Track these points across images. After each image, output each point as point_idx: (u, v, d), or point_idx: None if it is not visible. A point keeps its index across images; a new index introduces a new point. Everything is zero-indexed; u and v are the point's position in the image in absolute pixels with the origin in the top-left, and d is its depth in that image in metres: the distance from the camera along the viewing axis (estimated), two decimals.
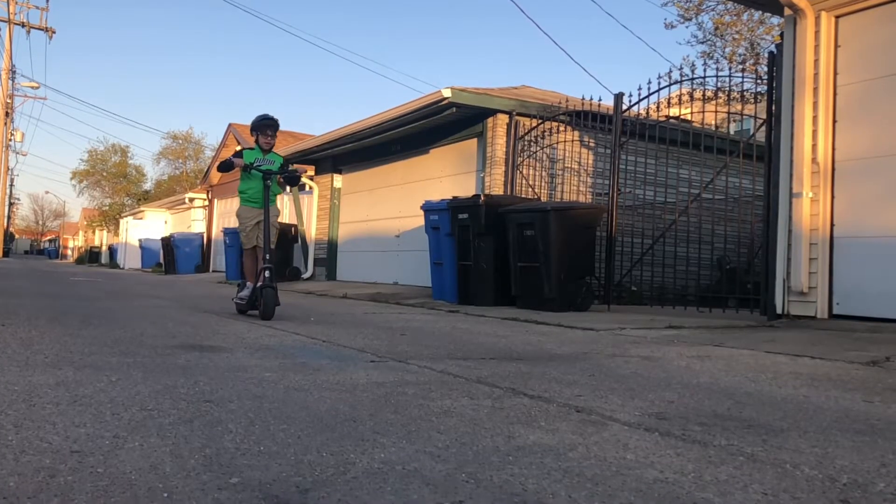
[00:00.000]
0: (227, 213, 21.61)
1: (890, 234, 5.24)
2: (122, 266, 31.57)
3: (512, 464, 1.65)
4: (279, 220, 19.03)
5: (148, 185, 47.56)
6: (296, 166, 5.71)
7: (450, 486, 1.46)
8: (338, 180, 14.60)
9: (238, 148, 6.42)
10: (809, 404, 2.49)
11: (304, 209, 15.46)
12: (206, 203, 23.90)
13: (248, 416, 2.05)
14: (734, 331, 5.21)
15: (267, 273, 5.46)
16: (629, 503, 1.40)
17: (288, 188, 6.12)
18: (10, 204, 59.08)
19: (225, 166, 6.13)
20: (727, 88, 7.83)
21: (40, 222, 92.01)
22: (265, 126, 6.13)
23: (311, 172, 15.30)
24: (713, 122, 8.85)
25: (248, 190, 6.08)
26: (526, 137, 9.47)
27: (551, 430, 2.00)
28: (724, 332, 5.07)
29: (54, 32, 30.48)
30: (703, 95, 8.28)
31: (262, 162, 5.99)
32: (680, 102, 7.89)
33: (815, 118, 5.66)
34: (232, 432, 1.85)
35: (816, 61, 5.67)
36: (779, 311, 5.80)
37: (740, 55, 14.95)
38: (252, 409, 2.14)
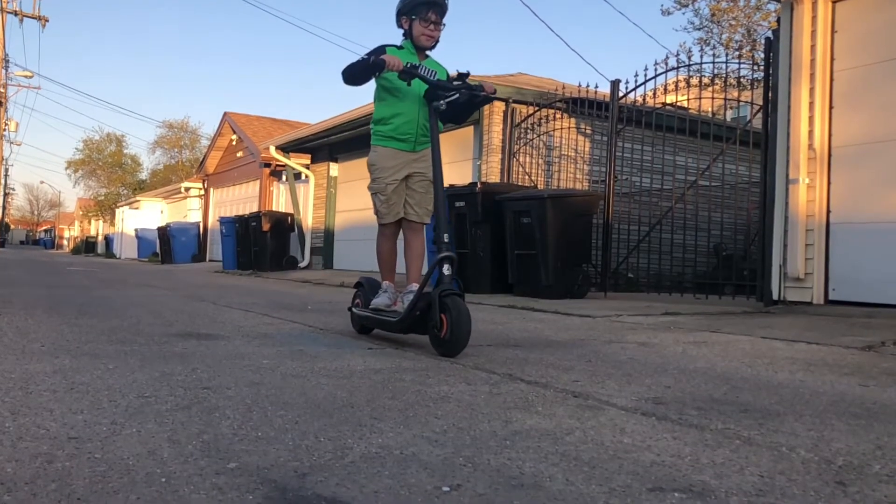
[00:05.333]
0: (224, 202, 21.60)
1: (886, 219, 5.24)
2: (118, 256, 31.52)
3: (509, 448, 1.65)
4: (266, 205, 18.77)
5: (144, 175, 47.42)
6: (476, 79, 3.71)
7: (447, 470, 1.47)
8: (334, 169, 14.57)
9: (382, 50, 3.56)
10: (805, 388, 2.50)
11: (300, 198, 15.43)
12: (203, 192, 23.84)
13: (245, 402, 2.05)
14: (731, 317, 5.23)
15: (447, 268, 3.15)
16: (626, 486, 1.40)
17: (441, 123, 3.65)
18: (6, 194, 58.99)
19: (359, 72, 3.53)
20: (724, 75, 7.81)
21: (36, 212, 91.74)
22: (428, 5, 3.55)
23: (307, 161, 15.27)
24: (710, 109, 8.83)
25: (395, 119, 3.64)
26: (522, 125, 9.45)
27: (548, 415, 2.00)
28: (721, 319, 5.08)
29: (47, 21, 30.22)
30: (700, 82, 8.28)
31: (425, 70, 3.53)
32: (677, 89, 7.87)
33: (811, 104, 5.65)
34: (229, 418, 1.85)
35: (813, 47, 5.66)
36: (775, 297, 5.82)
37: (737, 41, 14.91)
38: (250, 396, 2.14)
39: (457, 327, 2.96)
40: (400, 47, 3.64)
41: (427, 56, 3.73)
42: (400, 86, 3.53)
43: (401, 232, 3.81)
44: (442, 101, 3.42)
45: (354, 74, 3.56)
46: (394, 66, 3.34)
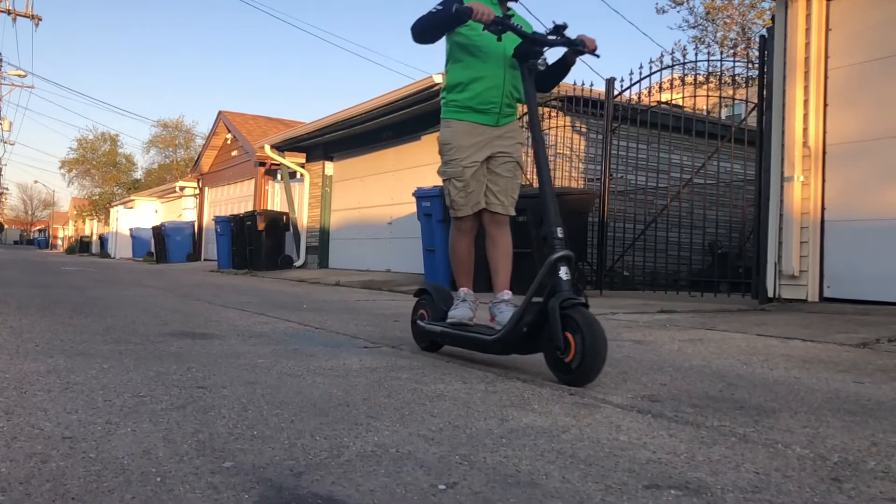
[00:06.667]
0: (218, 201, 21.55)
1: (880, 217, 5.26)
2: (112, 256, 31.43)
3: (505, 446, 1.65)
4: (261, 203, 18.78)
5: (138, 174, 47.29)
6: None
7: (443, 468, 1.47)
8: (329, 167, 14.55)
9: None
10: (801, 386, 2.51)
11: (295, 197, 15.41)
12: (197, 191, 23.78)
13: (241, 401, 2.05)
14: (726, 314, 5.24)
15: (564, 271, 2.49)
16: (622, 483, 1.40)
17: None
18: None
19: (436, 24, 2.87)
20: (718, 73, 7.83)
21: (29, 212, 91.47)
22: None
23: (301, 160, 15.25)
24: (705, 107, 8.85)
25: (474, 84, 2.98)
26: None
27: (544, 413, 2.00)
28: (716, 316, 5.09)
29: (41, 20, 30.12)
30: (695, 80, 8.29)
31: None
32: (672, 87, 7.88)
33: (806, 102, 5.66)
34: (225, 417, 1.85)
35: (808, 45, 5.67)
36: (770, 294, 5.83)
37: (731, 40, 14.94)
38: (245, 395, 2.13)
39: (591, 350, 2.29)
40: None
41: (509, 7, 3.02)
42: (482, 43, 2.91)
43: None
44: (540, 59, 2.79)
45: (429, 28, 2.88)
46: (482, 16, 2.68)
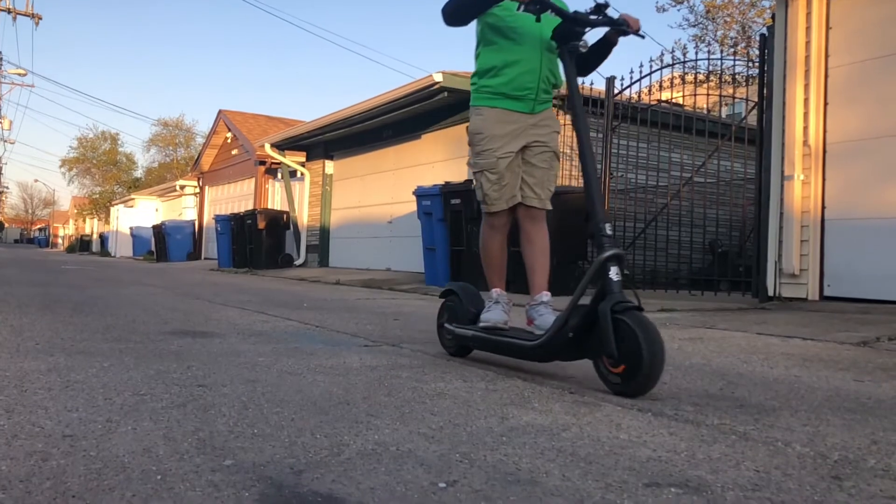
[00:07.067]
0: (219, 199, 21.55)
1: (881, 215, 5.26)
2: (113, 254, 31.44)
3: (506, 444, 1.65)
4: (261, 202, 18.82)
5: (138, 173, 47.32)
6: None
7: (444, 466, 1.47)
8: (329, 166, 14.55)
9: None
10: (801, 384, 2.51)
11: (295, 195, 15.41)
12: (198, 190, 23.77)
13: (241, 399, 2.05)
14: (726, 313, 5.24)
15: (615, 271, 2.30)
16: (622, 481, 1.40)
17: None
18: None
19: (472, 3, 2.71)
20: (719, 71, 7.83)
21: (30, 211, 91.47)
22: None
23: (302, 159, 15.25)
24: (705, 106, 8.85)
25: (508, 69, 2.80)
26: None
27: (545, 411, 2.00)
28: (716, 315, 5.09)
29: (41, 19, 30.12)
30: (695, 79, 8.29)
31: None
32: (672, 86, 7.88)
33: (806, 100, 5.66)
34: (225, 416, 1.85)
35: (808, 43, 5.67)
36: (770, 293, 5.83)
37: (732, 38, 14.92)
38: (245, 393, 2.13)
39: (649, 358, 2.09)
40: None
41: None
42: (517, 24, 2.73)
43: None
44: (582, 41, 2.57)
45: (462, 8, 2.72)
46: None
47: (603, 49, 2.77)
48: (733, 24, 15.19)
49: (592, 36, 2.70)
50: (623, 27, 2.64)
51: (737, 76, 8.41)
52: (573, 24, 2.56)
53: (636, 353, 2.11)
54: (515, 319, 2.92)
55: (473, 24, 2.84)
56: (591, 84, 8.51)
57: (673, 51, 8.16)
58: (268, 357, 2.86)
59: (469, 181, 7.91)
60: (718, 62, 8.06)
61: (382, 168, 12.62)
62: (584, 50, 2.61)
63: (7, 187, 71.67)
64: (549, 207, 2.94)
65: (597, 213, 2.42)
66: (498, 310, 2.80)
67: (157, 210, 30.18)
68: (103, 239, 36.68)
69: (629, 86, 7.89)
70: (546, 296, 2.81)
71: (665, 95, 8.32)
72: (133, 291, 7.07)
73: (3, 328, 3.58)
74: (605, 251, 2.31)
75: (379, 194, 12.64)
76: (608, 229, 2.37)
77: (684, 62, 7.86)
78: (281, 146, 14.97)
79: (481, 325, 2.76)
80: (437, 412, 1.96)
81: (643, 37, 2.74)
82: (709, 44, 14.70)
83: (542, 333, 2.48)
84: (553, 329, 2.39)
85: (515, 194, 2.86)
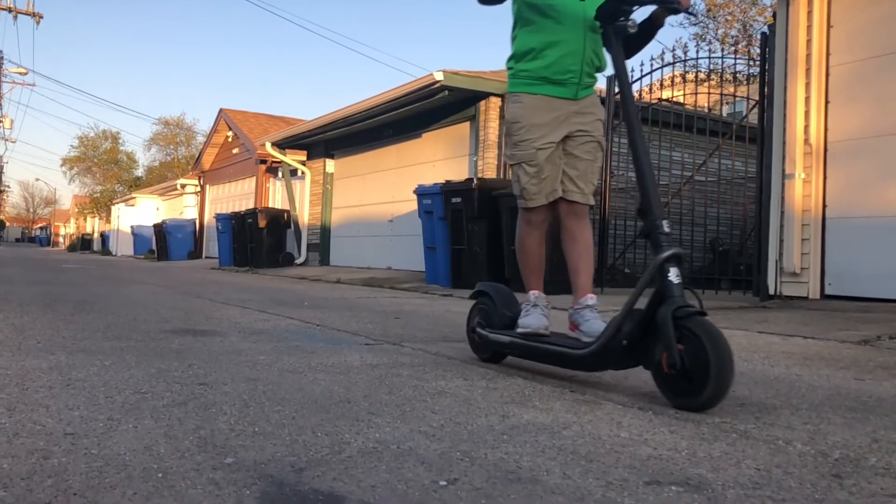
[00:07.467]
0: (220, 198, 21.56)
1: (882, 214, 5.26)
2: (114, 253, 31.45)
3: (506, 442, 1.65)
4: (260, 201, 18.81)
5: (139, 172, 47.35)
6: None
7: (444, 465, 1.47)
8: (330, 165, 14.54)
9: None
10: (801, 382, 2.51)
11: (296, 194, 15.41)
12: (198, 189, 23.78)
13: (242, 398, 2.05)
14: (727, 312, 5.23)
15: (674, 272, 2.15)
16: (623, 479, 1.40)
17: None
18: (1, 191, 58.73)
19: None
20: (720, 70, 7.82)
21: (31, 210, 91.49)
22: None
23: (302, 157, 15.25)
24: (706, 104, 8.84)
25: (549, 51, 2.59)
26: None
27: (545, 410, 2.00)
28: (717, 313, 5.09)
29: (41, 17, 30.13)
30: (696, 77, 8.28)
31: None
32: (673, 84, 7.87)
33: (807, 99, 5.66)
34: (226, 414, 1.85)
35: (809, 42, 5.66)
36: (771, 292, 5.83)
37: (733, 37, 14.90)
38: (246, 392, 2.14)
39: (716, 369, 1.89)
40: None
41: None
42: (557, 1, 2.55)
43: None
44: (630, 20, 2.37)
45: None
46: None
47: (649, 30, 2.52)
48: (734, 22, 15.17)
49: (638, 15, 2.50)
50: (673, 5, 2.42)
51: (738, 75, 8.41)
52: (620, 2, 2.37)
53: (702, 365, 1.92)
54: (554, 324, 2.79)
55: (509, 4, 2.67)
56: None
57: (674, 49, 8.15)
58: (269, 355, 2.87)
59: (470, 179, 7.92)
60: (719, 61, 8.05)
61: (383, 167, 12.62)
62: (632, 30, 2.37)
63: (8, 186, 71.65)
64: (593, 202, 2.76)
65: (653, 209, 2.21)
66: (537, 314, 2.61)
67: (158, 209, 30.18)
68: (104, 238, 36.70)
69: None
70: (591, 299, 2.59)
71: (666, 94, 8.31)
72: (134, 290, 7.08)
73: (4, 326, 3.58)
74: (662, 251, 2.13)
75: (380, 193, 12.64)
76: (666, 226, 2.18)
77: (685, 60, 7.85)
78: (282, 145, 14.97)
79: (520, 330, 2.57)
80: (438, 410, 1.96)
81: (695, 15, 2.55)
82: (710, 42, 14.69)
83: (590, 341, 2.30)
84: (605, 336, 2.20)
85: (556, 188, 2.65)
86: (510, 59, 2.71)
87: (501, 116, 9.47)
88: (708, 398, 1.93)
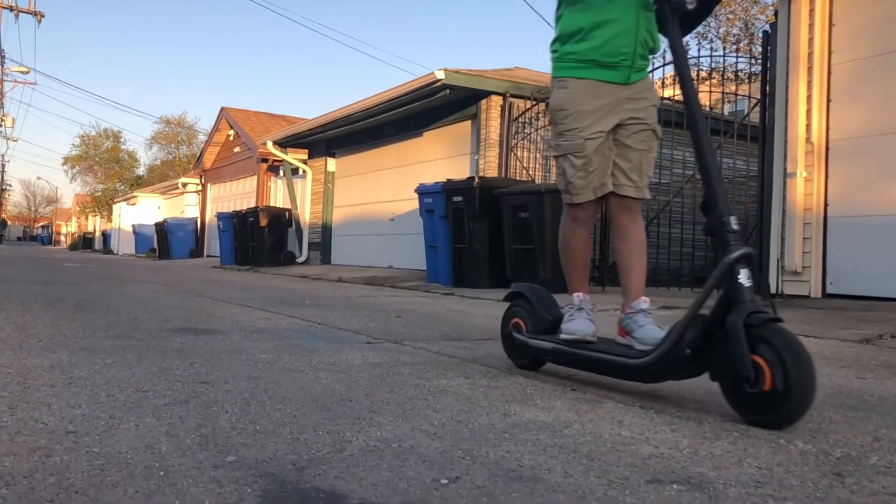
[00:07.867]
0: (221, 197, 21.57)
1: (883, 213, 5.25)
2: (115, 252, 31.48)
3: (508, 441, 1.65)
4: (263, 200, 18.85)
5: (141, 171, 47.34)
6: None
7: (446, 463, 1.47)
8: (331, 164, 14.55)
9: None
10: None
11: (297, 193, 15.42)
12: (200, 188, 23.80)
13: (243, 396, 2.05)
14: None
15: (745, 274, 1.91)
16: (624, 478, 1.40)
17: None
18: (2, 190, 58.82)
19: None
20: (721, 69, 7.81)
21: (32, 208, 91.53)
22: None
23: (304, 156, 15.26)
24: (707, 103, 8.83)
25: (598, 31, 2.37)
26: (520, 119, 9.44)
27: (547, 408, 2.00)
28: None
29: (43, 16, 30.13)
30: (697, 76, 8.27)
31: None
32: (674, 83, 7.85)
33: (809, 97, 5.65)
34: (228, 412, 1.85)
35: (811, 40, 5.66)
36: (773, 290, 5.82)
37: (734, 35, 14.89)
38: (248, 390, 2.14)
39: (797, 381, 1.72)
40: None
41: None
42: None
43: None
44: None
45: None
46: None
47: (704, 7, 2.29)
48: (736, 21, 15.16)
49: None
50: None
51: (739, 73, 8.39)
52: None
53: (780, 378, 1.74)
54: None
55: None
56: None
57: None
58: (270, 354, 2.87)
59: (471, 178, 7.91)
60: (721, 59, 8.04)
61: (384, 165, 12.62)
62: (691, 7, 2.16)
63: (10, 185, 71.74)
64: (648, 196, 2.51)
65: (719, 205, 2.02)
66: (582, 319, 2.40)
67: (159, 207, 30.20)
68: (106, 236, 36.73)
69: None
70: (645, 303, 2.40)
71: (667, 93, 8.30)
72: (135, 289, 7.08)
73: (6, 325, 3.58)
74: (731, 251, 1.92)
75: (381, 192, 12.64)
76: (734, 223, 1.97)
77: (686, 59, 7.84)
78: (283, 144, 14.97)
79: (564, 336, 2.36)
80: (440, 409, 1.96)
81: None
82: (711, 41, 14.68)
83: (647, 349, 2.11)
84: (666, 345, 2.00)
85: (605, 182, 2.42)
86: (554, 41, 2.48)
87: (502, 115, 9.47)
88: (787, 415, 1.77)
